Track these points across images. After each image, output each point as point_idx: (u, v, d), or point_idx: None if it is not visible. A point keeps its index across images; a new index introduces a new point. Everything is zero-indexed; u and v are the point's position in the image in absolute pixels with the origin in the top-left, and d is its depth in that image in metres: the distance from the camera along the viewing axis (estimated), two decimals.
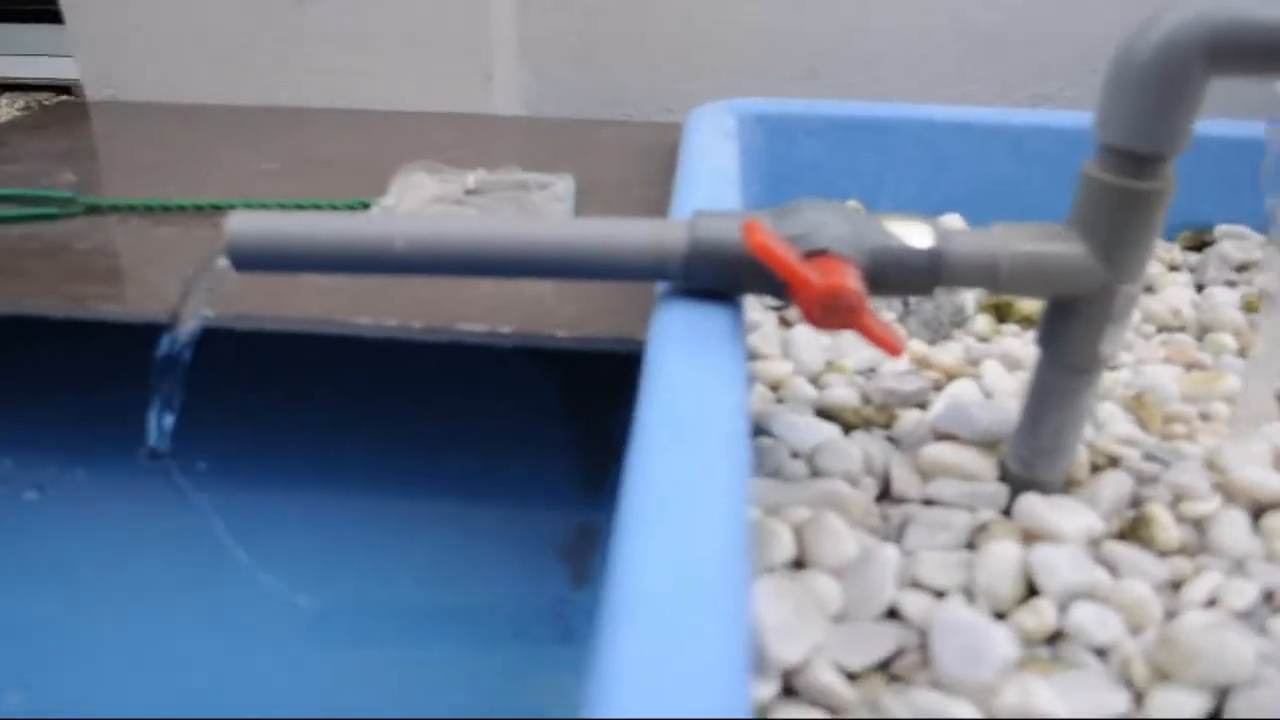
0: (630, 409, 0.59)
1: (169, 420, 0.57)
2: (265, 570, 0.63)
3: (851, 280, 0.46)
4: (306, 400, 0.74)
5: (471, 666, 0.57)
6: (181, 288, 0.53)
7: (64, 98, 1.29)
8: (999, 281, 0.46)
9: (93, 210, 0.74)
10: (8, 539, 0.61)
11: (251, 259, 0.50)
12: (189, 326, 0.53)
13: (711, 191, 0.68)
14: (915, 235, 0.50)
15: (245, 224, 0.49)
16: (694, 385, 0.43)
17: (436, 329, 0.58)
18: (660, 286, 0.55)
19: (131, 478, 0.66)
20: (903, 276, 0.50)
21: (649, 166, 0.88)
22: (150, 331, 0.58)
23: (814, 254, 0.49)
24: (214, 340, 0.54)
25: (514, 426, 0.76)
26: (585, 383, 0.80)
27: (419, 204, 0.71)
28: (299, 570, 0.63)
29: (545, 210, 0.72)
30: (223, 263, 0.50)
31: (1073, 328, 0.46)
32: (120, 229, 0.72)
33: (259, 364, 0.59)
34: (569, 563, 0.65)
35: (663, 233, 0.51)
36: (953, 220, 0.82)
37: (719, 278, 0.51)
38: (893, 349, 0.47)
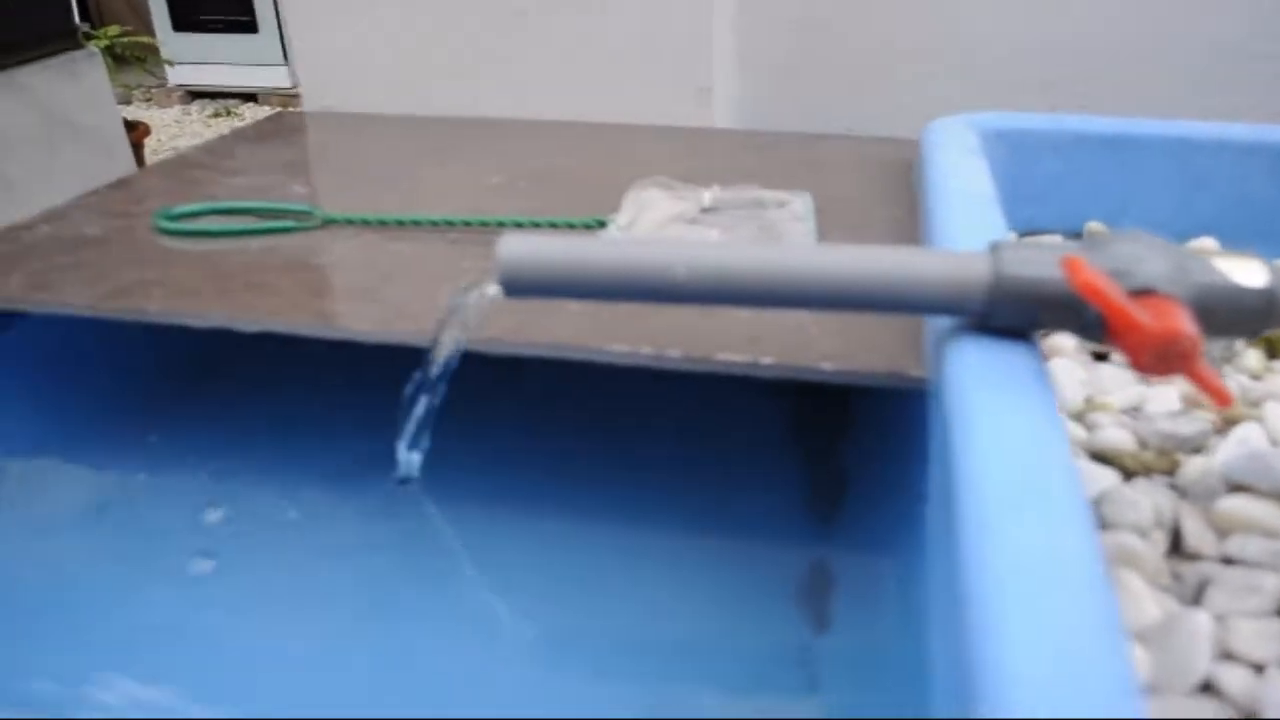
0: (865, 442, 0.55)
1: (421, 447, 0.56)
2: (497, 597, 0.61)
3: (1186, 324, 0.42)
4: (544, 425, 0.73)
5: (704, 711, 0.55)
6: (443, 313, 0.52)
7: (285, 108, 1.31)
8: None
9: (328, 224, 0.73)
10: (267, 559, 0.61)
11: (523, 284, 0.48)
12: (448, 352, 0.52)
13: (971, 216, 0.64)
14: (1246, 273, 0.45)
15: (517, 248, 0.48)
16: (1023, 438, 0.39)
17: (695, 358, 0.55)
18: (942, 322, 0.51)
19: (382, 502, 0.66)
20: (1232, 318, 0.45)
21: (881, 184, 0.84)
22: (401, 352, 0.57)
23: (1139, 293, 0.44)
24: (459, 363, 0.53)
25: (745, 458, 0.74)
26: (819, 415, 0.77)
27: (656, 223, 0.68)
28: (528, 597, 0.61)
29: (786, 230, 0.68)
30: (492, 289, 0.49)
31: None
32: (357, 243, 0.72)
33: (501, 388, 0.58)
34: (808, 605, 0.61)
35: (961, 266, 0.47)
36: (1207, 244, 0.77)
37: (1023, 315, 0.47)
38: (1223, 399, 0.43)
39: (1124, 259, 0.45)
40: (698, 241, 0.50)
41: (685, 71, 0.99)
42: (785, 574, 0.63)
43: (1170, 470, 0.54)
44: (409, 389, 0.54)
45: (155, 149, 3.18)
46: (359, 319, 0.60)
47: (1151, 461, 0.55)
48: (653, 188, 0.75)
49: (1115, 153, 0.83)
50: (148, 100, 3.75)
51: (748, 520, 0.69)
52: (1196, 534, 0.47)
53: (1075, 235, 0.85)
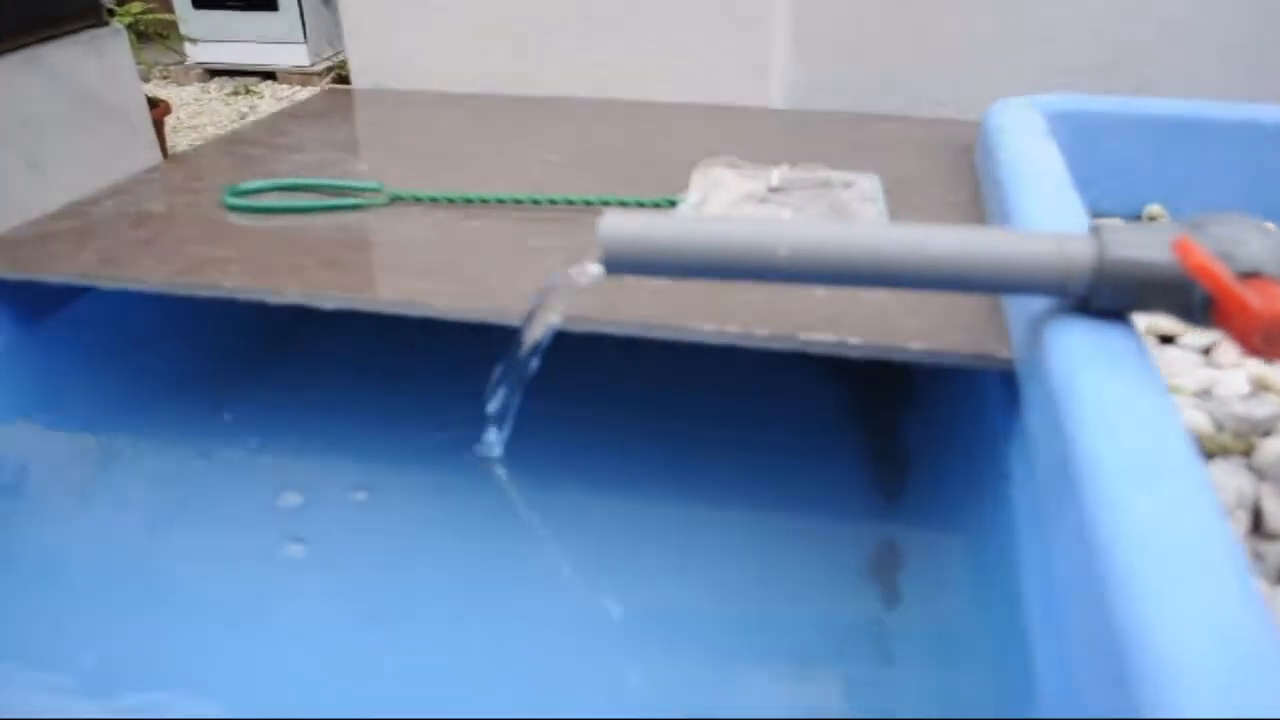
0: (926, 422, 0.54)
1: (506, 426, 0.56)
2: (581, 575, 0.62)
3: None
4: (623, 404, 0.73)
5: (785, 683, 0.55)
6: (539, 292, 0.52)
7: (337, 85, 1.31)
8: None
9: (395, 201, 0.73)
10: (339, 538, 0.61)
11: (625, 262, 0.48)
12: (544, 330, 0.52)
13: (1050, 200, 0.63)
14: None
15: (618, 227, 0.48)
16: (1142, 417, 0.39)
17: (781, 336, 0.55)
18: (1034, 304, 0.51)
19: (462, 478, 0.66)
20: None
21: (942, 165, 0.84)
22: (469, 329, 0.58)
23: (1245, 276, 0.44)
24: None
25: (803, 437, 0.74)
26: (876, 395, 0.77)
27: (728, 203, 0.68)
28: (608, 576, 0.62)
29: (856, 211, 0.68)
30: (594, 268, 0.49)
31: None
32: (426, 221, 0.72)
33: (582, 368, 0.58)
34: (878, 580, 0.62)
35: (1065, 248, 0.47)
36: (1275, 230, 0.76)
37: (1126, 297, 0.47)
38: None
39: (1227, 241, 0.45)
40: (799, 221, 0.50)
41: (744, 50, 0.99)
42: (855, 550, 0.64)
43: (1246, 452, 0.54)
44: (497, 367, 0.54)
45: (174, 126, 3.17)
46: (438, 296, 0.60)
47: (1229, 444, 0.55)
48: (721, 167, 0.75)
49: (1179, 136, 0.83)
50: (165, 78, 3.74)
51: (814, 498, 0.69)
52: (1278, 514, 0.48)
53: (1135, 218, 0.85)
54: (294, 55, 3.76)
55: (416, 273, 0.64)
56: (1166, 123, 0.83)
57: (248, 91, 3.69)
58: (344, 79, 3.86)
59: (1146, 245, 0.45)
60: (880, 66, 1.00)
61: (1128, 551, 0.32)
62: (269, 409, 0.74)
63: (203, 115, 3.37)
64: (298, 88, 3.74)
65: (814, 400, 0.79)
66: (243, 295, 0.62)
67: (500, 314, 0.58)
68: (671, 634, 0.58)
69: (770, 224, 0.48)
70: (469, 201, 0.73)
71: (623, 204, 0.72)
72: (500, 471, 0.64)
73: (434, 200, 0.74)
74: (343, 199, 0.74)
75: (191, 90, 3.68)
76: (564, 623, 0.58)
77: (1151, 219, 0.84)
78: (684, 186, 0.75)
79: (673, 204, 0.71)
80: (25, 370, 0.70)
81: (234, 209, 0.74)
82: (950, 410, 0.75)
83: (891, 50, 0.99)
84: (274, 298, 0.61)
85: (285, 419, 0.73)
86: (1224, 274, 0.43)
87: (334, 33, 3.93)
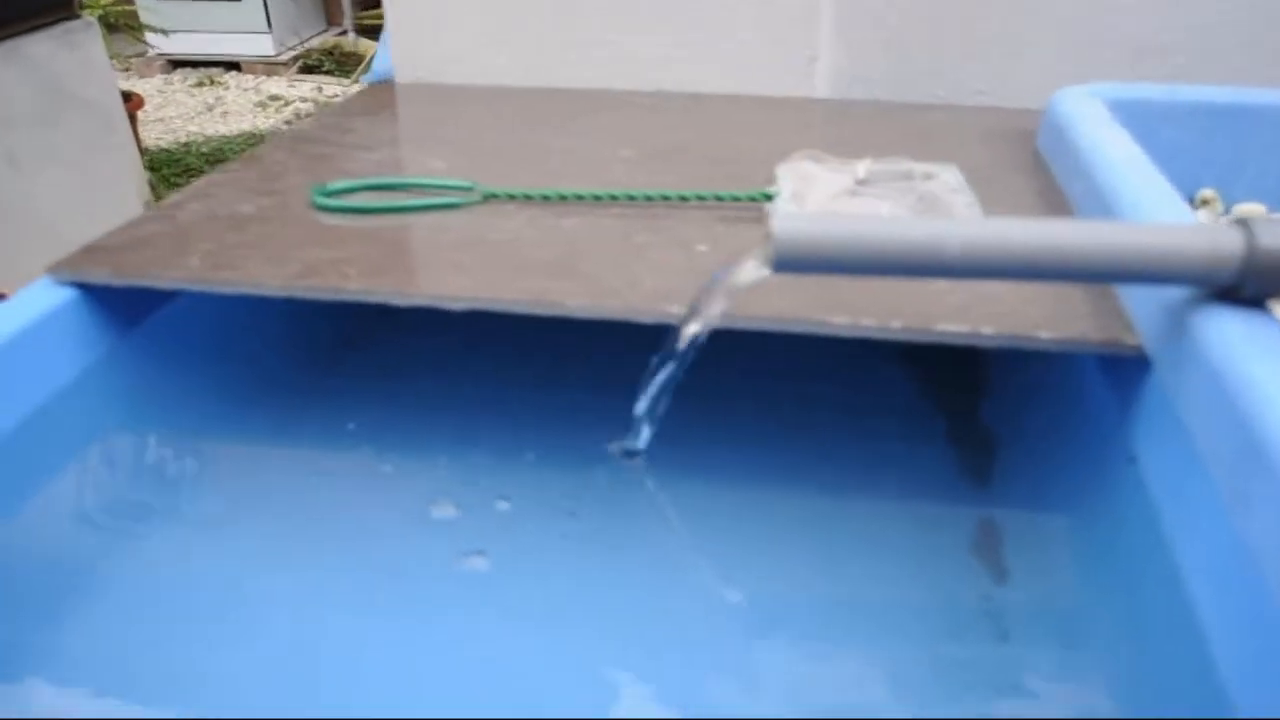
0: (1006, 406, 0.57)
1: (654, 421, 0.58)
2: (704, 561, 0.63)
3: None
4: (742, 397, 0.74)
5: (905, 664, 0.57)
6: (702, 291, 0.53)
7: (269, 76, 1.30)
8: None
9: (488, 199, 0.74)
10: (488, 543, 0.62)
11: (796, 261, 0.49)
12: (702, 330, 0.53)
13: (1144, 187, 0.66)
14: None
15: (792, 227, 0.49)
16: None
17: (915, 329, 0.57)
18: (1170, 293, 0.54)
19: (604, 476, 0.67)
20: None
21: (1006, 153, 0.86)
22: (555, 325, 0.59)
23: None
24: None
25: (887, 423, 0.76)
26: (960, 382, 0.79)
27: (826, 196, 0.70)
28: (727, 562, 0.63)
29: (948, 202, 0.70)
30: (760, 269, 0.50)
31: None
32: (523, 219, 0.72)
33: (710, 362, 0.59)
34: (984, 560, 0.64)
35: (1214, 238, 0.49)
36: None
37: (1273, 286, 0.49)
38: None
39: None
40: (966, 220, 0.52)
41: (793, 40, 1.00)
42: (957, 531, 0.66)
43: None
44: (653, 361, 0.56)
45: (141, 119, 3.12)
46: (570, 295, 0.61)
47: None
48: (806, 161, 0.76)
49: (1230, 122, 0.86)
50: (126, 70, 3.67)
51: (910, 483, 0.71)
52: None
53: (1188, 202, 0.87)
54: (258, 45, 3.71)
55: (537, 272, 0.65)
56: (1215, 109, 0.86)
57: (212, 82, 3.64)
58: (311, 68, 3.82)
59: None
60: (921, 56, 1.02)
61: None
62: (385, 414, 0.74)
63: (169, 107, 3.32)
64: (263, 78, 3.69)
65: (889, 389, 0.81)
66: (367, 298, 0.62)
67: (633, 312, 0.59)
68: (796, 620, 0.59)
69: (938, 223, 0.50)
70: (562, 199, 0.74)
71: (718, 199, 0.73)
72: (643, 467, 0.65)
73: (528, 198, 0.75)
74: (437, 199, 0.74)
75: (155, 82, 3.62)
76: (695, 611, 0.60)
77: (1205, 203, 0.87)
78: (765, 180, 0.77)
79: (768, 198, 0.73)
80: (127, 377, 0.70)
81: (325, 209, 0.74)
82: (1032, 395, 0.77)
83: (932, 40, 1.01)
84: (400, 300, 0.62)
85: (403, 424, 0.73)
86: None
87: (299, 22, 3.88)
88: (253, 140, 3.03)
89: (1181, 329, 0.51)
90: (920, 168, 0.76)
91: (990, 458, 0.73)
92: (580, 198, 0.74)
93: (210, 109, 3.38)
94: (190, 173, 2.78)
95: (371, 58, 3.84)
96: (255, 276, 0.65)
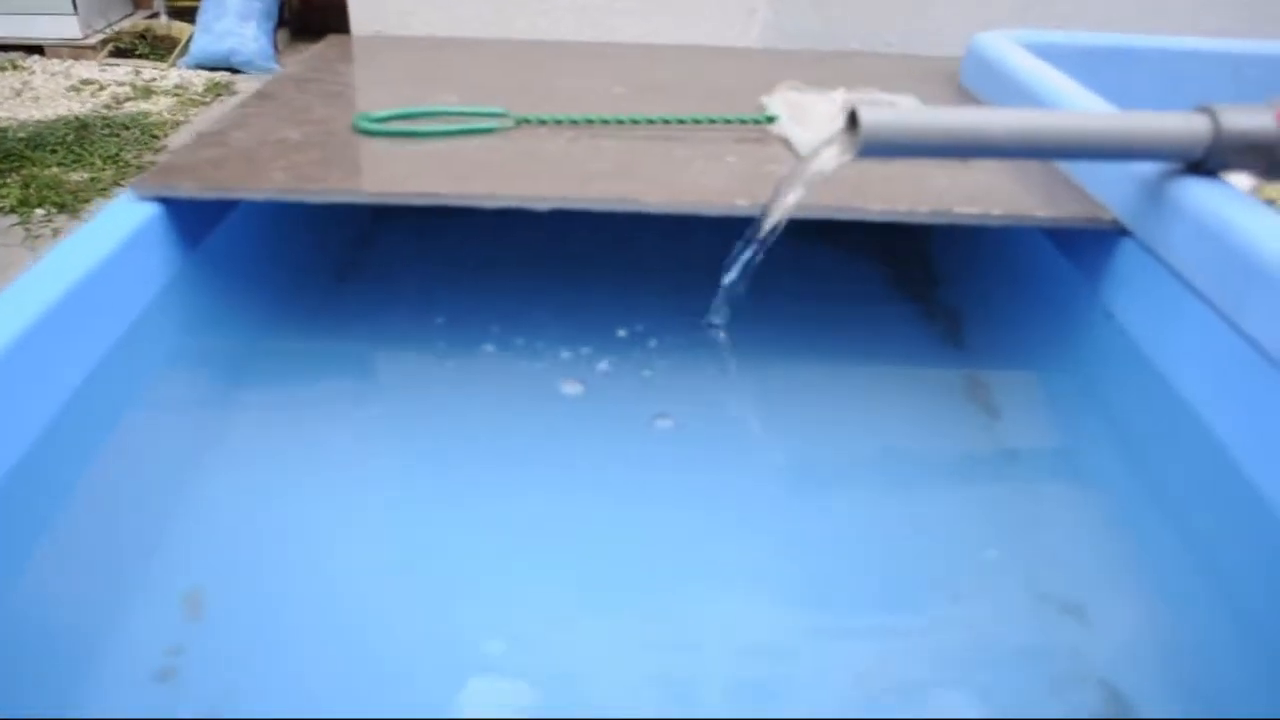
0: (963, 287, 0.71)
1: (735, 298, 0.68)
2: (763, 427, 0.74)
3: None
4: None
5: (925, 489, 0.69)
6: (782, 181, 0.63)
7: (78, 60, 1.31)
8: None
9: (521, 124, 0.82)
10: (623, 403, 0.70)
11: (880, 146, 0.60)
12: (783, 214, 0.63)
13: (1090, 101, 0.80)
14: None
15: (875, 117, 0.60)
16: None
17: (941, 211, 0.69)
18: (1143, 169, 0.68)
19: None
20: None
21: (939, 90, 1.00)
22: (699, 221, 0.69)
23: None
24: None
25: (867, 308, 0.89)
26: (933, 273, 0.92)
27: (823, 117, 0.81)
28: (777, 427, 0.74)
29: None
30: (841, 155, 0.61)
31: None
32: (562, 140, 0.80)
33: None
34: (977, 402, 0.76)
35: (1188, 121, 0.63)
36: None
37: (1232, 159, 0.64)
38: None
39: None
40: (1007, 110, 0.64)
41: None
42: (949, 386, 0.78)
43: None
44: (738, 246, 0.66)
45: None
46: (643, 194, 0.70)
47: None
48: (790, 92, 0.87)
49: (1115, 62, 1.03)
50: None
51: (899, 353, 0.84)
52: None
53: None
54: (63, 27, 3.55)
55: (601, 178, 0.73)
56: (1103, 52, 1.03)
57: (15, 67, 3.45)
58: (123, 52, 3.66)
59: (1254, 116, 0.62)
60: (841, 12, 1.15)
61: None
62: (455, 308, 0.81)
63: None
64: (71, 62, 3.52)
65: (866, 283, 0.94)
66: (464, 202, 0.69)
67: (708, 206, 0.69)
68: (825, 475, 0.70)
69: (982, 110, 0.62)
70: (590, 123, 0.83)
71: (727, 121, 0.84)
72: (725, 339, 0.75)
73: (558, 122, 0.83)
74: (475, 124, 0.81)
75: None
76: (742, 467, 0.70)
77: None
78: (753, 110, 0.87)
79: (771, 120, 0.83)
80: (206, 289, 0.74)
81: (372, 133, 0.80)
82: (986, 278, 0.91)
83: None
84: (492, 203, 0.69)
85: (483, 317, 0.80)
86: None
87: (107, 4, 3.72)
88: (75, 124, 2.91)
89: (1161, 197, 0.65)
90: (885, 97, 0.89)
91: (960, 329, 0.87)
92: (606, 122, 0.83)
93: (18, 94, 3.21)
94: (12, 156, 2.66)
95: (188, 40, 3.74)
96: (347, 185, 0.70)
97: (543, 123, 0.83)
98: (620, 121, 0.83)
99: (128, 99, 3.23)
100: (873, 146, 0.60)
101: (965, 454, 0.72)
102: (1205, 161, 0.64)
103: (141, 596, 0.55)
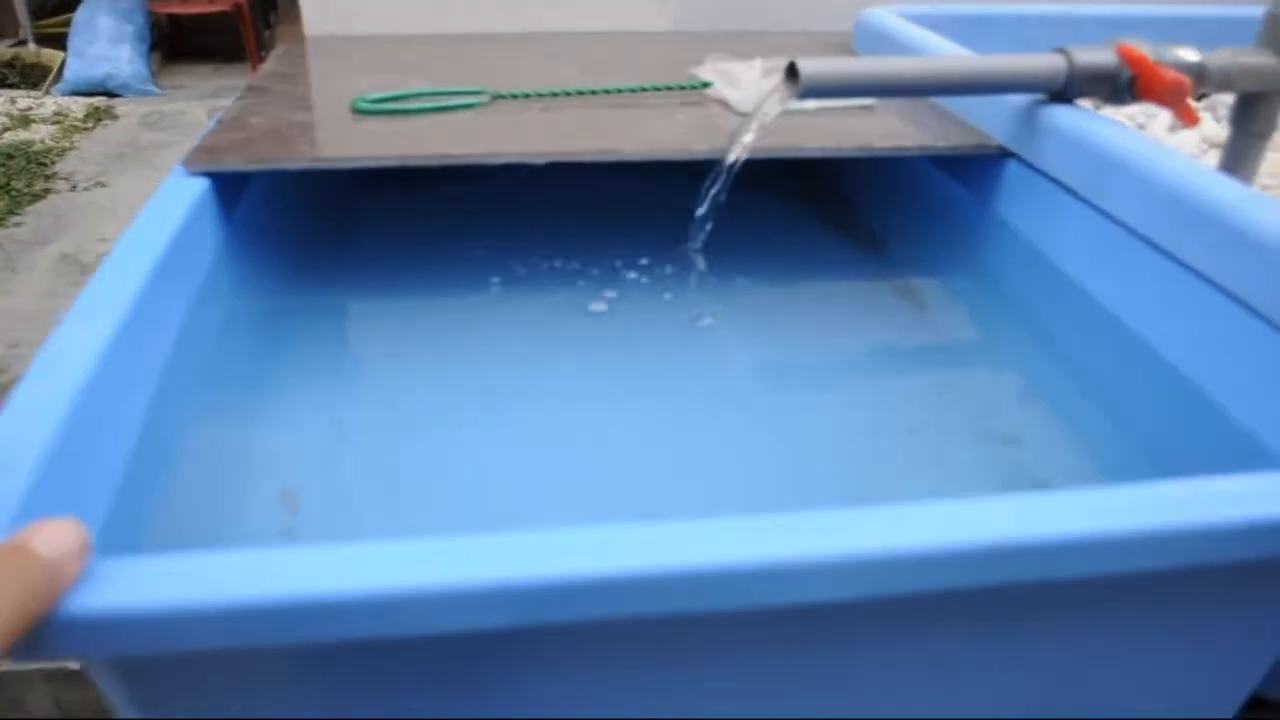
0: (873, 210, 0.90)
1: (707, 226, 0.83)
2: (737, 340, 0.89)
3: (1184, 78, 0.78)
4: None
5: (875, 358, 0.85)
6: (738, 127, 0.79)
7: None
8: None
9: (497, 99, 0.96)
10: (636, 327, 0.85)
11: (814, 89, 0.76)
12: (742, 153, 0.79)
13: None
14: (1189, 54, 0.82)
15: (812, 64, 0.76)
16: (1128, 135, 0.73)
17: (866, 147, 0.86)
18: (1016, 101, 0.85)
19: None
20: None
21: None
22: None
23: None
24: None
25: (798, 233, 1.05)
26: (824, 198, 1.10)
27: (753, 78, 0.97)
28: (753, 342, 0.89)
29: None
30: (783, 101, 0.77)
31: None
32: (536, 111, 0.94)
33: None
34: (909, 300, 0.93)
35: (1051, 60, 0.81)
36: None
37: (1084, 88, 0.82)
38: (1193, 120, 0.79)
39: (1152, 50, 0.81)
40: (912, 59, 0.80)
41: None
42: (883, 290, 0.95)
43: None
44: (705, 182, 0.81)
45: None
46: (620, 144, 0.84)
47: None
48: (720, 62, 1.03)
49: (979, 28, 1.22)
50: None
51: (840, 269, 1.00)
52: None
53: None
54: None
55: (580, 136, 0.88)
56: (969, 19, 1.22)
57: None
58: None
59: (1099, 53, 0.80)
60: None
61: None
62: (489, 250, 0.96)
63: None
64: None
65: (793, 217, 1.11)
66: (475, 160, 0.82)
67: (674, 152, 0.84)
68: (797, 377, 0.85)
69: (895, 60, 0.79)
70: (555, 96, 0.97)
71: (669, 88, 0.99)
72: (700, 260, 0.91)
73: (528, 96, 0.97)
74: (458, 101, 0.95)
75: None
76: (718, 372, 0.85)
77: None
78: (689, 79, 1.03)
79: (706, 85, 0.99)
80: (255, 257, 0.86)
81: (370, 113, 0.92)
82: (891, 204, 1.09)
83: None
84: (495, 159, 0.83)
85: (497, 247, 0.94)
86: (1149, 59, 0.78)
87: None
88: None
89: (1034, 122, 0.83)
90: None
91: (884, 248, 1.04)
92: (569, 94, 0.97)
93: None
94: None
95: (61, 66, 3.72)
96: (369, 152, 0.83)
97: (515, 98, 0.97)
98: (581, 93, 0.98)
99: (5, 129, 3.21)
100: (810, 89, 0.76)
101: (907, 337, 0.88)
102: (1065, 91, 0.82)
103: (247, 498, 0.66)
